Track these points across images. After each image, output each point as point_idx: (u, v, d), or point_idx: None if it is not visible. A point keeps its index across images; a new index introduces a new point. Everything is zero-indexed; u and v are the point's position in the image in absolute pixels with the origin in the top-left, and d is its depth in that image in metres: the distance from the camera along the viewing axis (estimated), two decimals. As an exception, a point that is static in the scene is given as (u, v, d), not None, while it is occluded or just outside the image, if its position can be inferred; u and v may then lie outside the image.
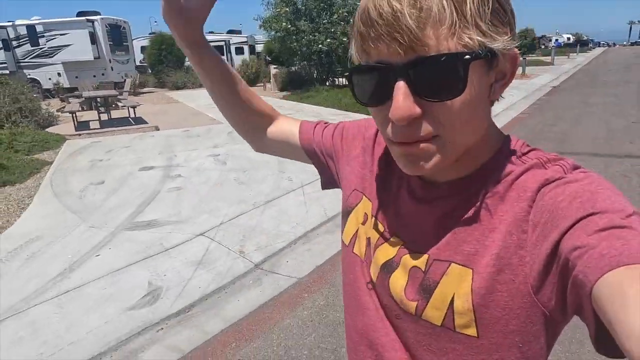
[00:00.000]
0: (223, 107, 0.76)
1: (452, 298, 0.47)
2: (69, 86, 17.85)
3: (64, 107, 11.62)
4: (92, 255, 3.13)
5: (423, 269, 0.50)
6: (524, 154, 0.50)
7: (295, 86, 15.13)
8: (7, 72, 17.47)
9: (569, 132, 7.07)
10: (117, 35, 19.23)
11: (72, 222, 3.73)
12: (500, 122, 8.19)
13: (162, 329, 2.38)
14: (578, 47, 47.24)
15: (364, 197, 0.62)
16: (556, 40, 60.60)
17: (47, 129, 8.83)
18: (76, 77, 17.91)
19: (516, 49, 0.44)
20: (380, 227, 0.58)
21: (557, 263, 0.40)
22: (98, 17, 18.21)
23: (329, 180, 0.76)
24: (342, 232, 0.65)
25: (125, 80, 17.17)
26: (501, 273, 0.45)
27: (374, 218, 0.59)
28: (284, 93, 14.99)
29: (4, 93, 9.24)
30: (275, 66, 17.13)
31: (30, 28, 18.23)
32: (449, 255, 0.49)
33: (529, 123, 8.07)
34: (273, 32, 13.94)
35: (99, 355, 2.17)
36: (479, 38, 0.40)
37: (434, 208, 0.52)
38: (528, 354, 0.47)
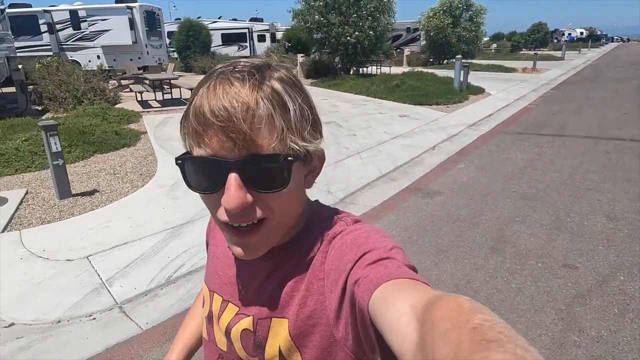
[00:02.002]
0: None
1: (279, 346, 0.56)
2: (107, 68, 19.03)
3: (121, 87, 13.04)
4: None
5: (252, 329, 0.59)
6: (324, 217, 0.61)
7: (320, 74, 16.37)
8: (51, 53, 18.71)
9: (568, 120, 8.38)
10: (152, 22, 20.41)
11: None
12: (511, 111, 9.51)
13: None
14: (590, 42, 47.75)
15: (204, 286, 0.71)
16: (569, 34, 60.87)
17: (115, 106, 10.23)
18: (114, 59, 19.22)
19: (322, 149, 0.56)
20: (217, 299, 0.66)
21: (348, 300, 0.49)
22: (136, 4, 19.37)
23: None
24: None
25: (160, 64, 18.55)
26: (311, 318, 0.54)
27: (213, 293, 0.67)
28: (310, 80, 16.19)
29: (78, 74, 10.66)
30: (302, 55, 18.37)
31: (74, 13, 19.46)
32: (269, 313, 0.58)
33: (535, 113, 9.37)
34: (302, 23, 15.17)
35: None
36: (300, 143, 0.50)
37: (256, 273, 0.61)
38: None
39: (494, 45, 40.28)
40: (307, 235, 0.59)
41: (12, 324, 2.62)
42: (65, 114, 8.75)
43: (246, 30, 26.93)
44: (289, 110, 0.49)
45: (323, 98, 11.27)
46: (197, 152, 0.50)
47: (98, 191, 4.56)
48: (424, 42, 26.87)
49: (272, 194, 0.50)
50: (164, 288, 2.90)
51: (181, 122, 0.53)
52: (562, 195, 4.37)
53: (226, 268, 0.66)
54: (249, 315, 0.60)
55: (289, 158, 0.49)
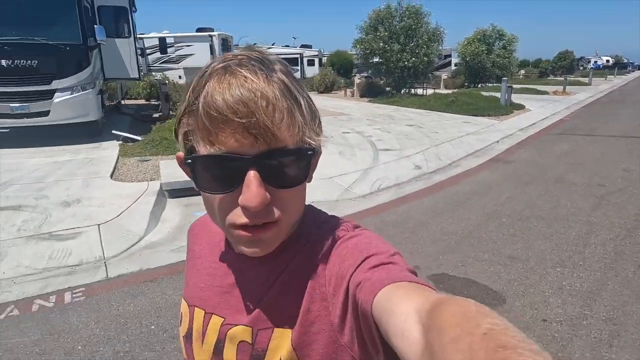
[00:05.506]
0: None
1: (280, 358, 0.54)
2: (189, 86, 22.30)
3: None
4: (378, 156, 7.10)
5: (250, 341, 0.56)
6: (321, 221, 0.60)
7: (373, 94, 19.01)
8: (142, 73, 22.07)
9: (597, 127, 10.78)
10: (226, 47, 23.78)
11: (349, 150, 7.75)
12: (549, 121, 11.93)
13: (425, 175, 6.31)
14: (616, 69, 49.53)
15: (182, 301, 0.67)
16: (595, 62, 62.72)
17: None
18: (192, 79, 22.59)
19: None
20: (199, 313, 0.62)
21: (351, 304, 0.48)
22: (216, 32, 22.85)
23: None
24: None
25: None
26: (313, 325, 0.53)
27: (193, 308, 0.64)
28: (366, 99, 18.76)
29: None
30: (358, 76, 21.21)
31: (162, 40, 23.03)
32: (270, 323, 0.56)
33: (570, 122, 11.76)
34: (361, 51, 18.00)
35: (463, 157, 6.11)
36: (315, 137, 0.51)
37: (250, 279, 0.59)
38: None
39: (522, 71, 42.65)
40: (303, 237, 0.58)
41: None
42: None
43: (298, 56, 30.16)
44: (301, 104, 0.49)
45: (391, 110, 13.92)
46: (209, 149, 0.47)
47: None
48: (454, 67, 29.49)
49: (287, 190, 0.50)
50: (376, 194, 5.46)
51: (180, 120, 0.50)
52: (597, 163, 6.81)
53: (209, 278, 0.64)
54: (246, 326, 0.57)
55: (309, 152, 0.50)
